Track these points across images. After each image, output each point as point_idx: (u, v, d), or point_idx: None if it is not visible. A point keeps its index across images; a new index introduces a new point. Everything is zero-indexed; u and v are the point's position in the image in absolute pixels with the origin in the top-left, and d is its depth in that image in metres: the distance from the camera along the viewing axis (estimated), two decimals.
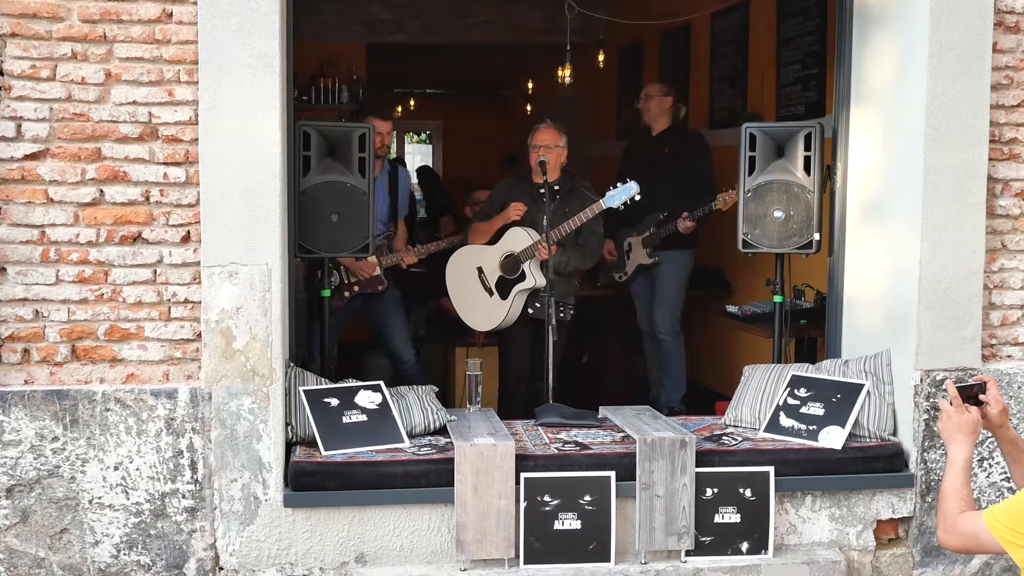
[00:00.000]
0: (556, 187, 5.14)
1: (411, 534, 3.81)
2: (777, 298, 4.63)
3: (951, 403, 2.79)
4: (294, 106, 4.06)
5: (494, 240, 5.27)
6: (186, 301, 3.76)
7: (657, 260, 5.96)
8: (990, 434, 2.86)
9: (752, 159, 4.47)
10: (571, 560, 3.77)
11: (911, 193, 4.00)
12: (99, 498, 3.71)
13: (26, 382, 3.71)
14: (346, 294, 5.39)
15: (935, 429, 3.95)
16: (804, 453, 3.97)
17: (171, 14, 3.67)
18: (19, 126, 3.64)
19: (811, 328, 5.31)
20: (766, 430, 4.12)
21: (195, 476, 3.74)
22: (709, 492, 3.83)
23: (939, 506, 2.71)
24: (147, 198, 3.72)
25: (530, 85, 12.00)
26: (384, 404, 4.01)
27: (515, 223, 5.23)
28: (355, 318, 5.62)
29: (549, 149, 5.18)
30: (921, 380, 4.00)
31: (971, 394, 2.81)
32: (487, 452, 3.72)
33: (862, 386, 4.05)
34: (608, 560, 3.78)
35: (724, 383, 6.07)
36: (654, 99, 6.13)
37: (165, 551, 3.75)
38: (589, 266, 5.56)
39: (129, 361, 3.75)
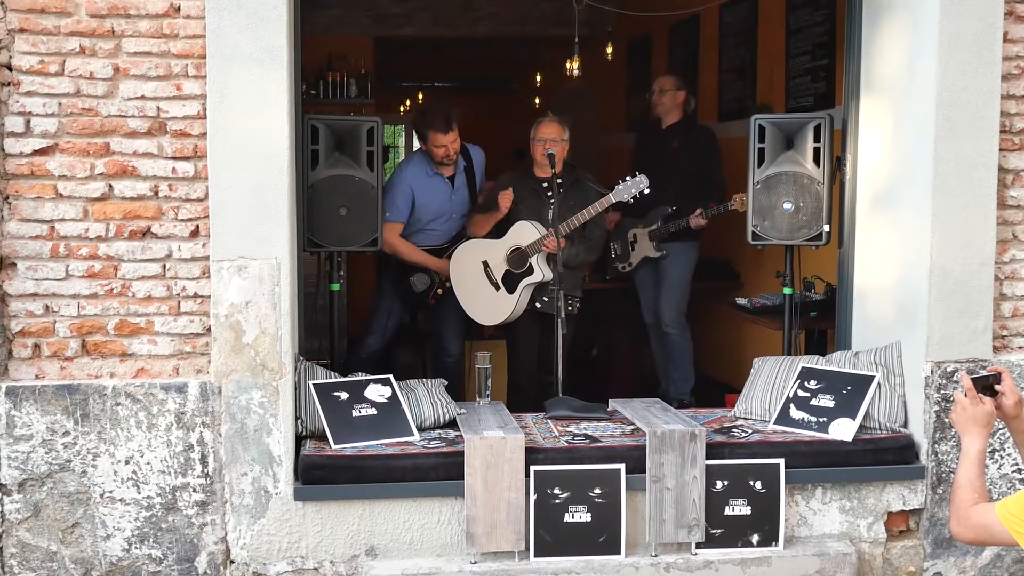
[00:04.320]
0: (560, 180, 5.13)
1: (421, 527, 3.81)
2: (787, 290, 4.63)
3: (965, 394, 2.77)
4: (302, 100, 4.05)
5: (498, 234, 5.26)
6: (195, 295, 3.76)
7: (664, 254, 5.95)
8: (1002, 425, 2.84)
9: (761, 151, 4.46)
10: (581, 553, 3.77)
11: (921, 184, 3.98)
12: (110, 492, 3.72)
13: (37, 377, 3.72)
14: (439, 291, 5.51)
15: (947, 421, 3.94)
16: (815, 445, 3.96)
17: (179, 8, 3.67)
18: (28, 121, 3.65)
19: (821, 320, 5.30)
20: (776, 422, 4.11)
21: (205, 470, 3.75)
22: (719, 484, 3.83)
23: (952, 498, 2.70)
24: (156, 193, 3.73)
25: (539, 78, 11.97)
26: (394, 397, 4.02)
27: (520, 216, 5.22)
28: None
29: (555, 142, 5.16)
30: (932, 372, 3.98)
31: (985, 385, 2.79)
32: (497, 445, 3.72)
33: (872, 378, 4.04)
34: (618, 553, 3.78)
35: (734, 376, 6.06)
36: (668, 93, 6.10)
37: (176, 545, 3.77)
38: (594, 257, 5.56)
39: (139, 355, 3.76)
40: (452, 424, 4.09)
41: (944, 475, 4.00)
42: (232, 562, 3.78)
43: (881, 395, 4.04)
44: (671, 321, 5.96)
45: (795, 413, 4.08)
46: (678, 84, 6.17)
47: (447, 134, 5.29)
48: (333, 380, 4.01)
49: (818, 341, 5.55)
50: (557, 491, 3.77)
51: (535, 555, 3.76)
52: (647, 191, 4.94)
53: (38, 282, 3.70)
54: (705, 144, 6.10)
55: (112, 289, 3.73)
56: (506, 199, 5.18)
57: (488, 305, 5.29)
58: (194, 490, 3.75)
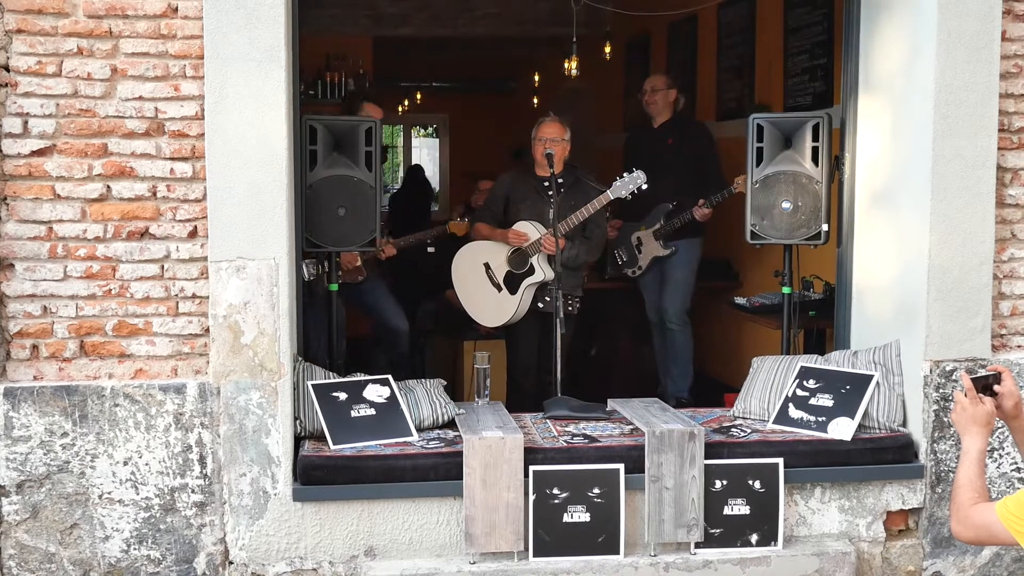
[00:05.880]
0: (560, 180, 5.13)
1: (420, 527, 3.81)
2: (786, 289, 4.63)
3: (965, 394, 2.77)
4: (300, 100, 4.05)
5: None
6: (194, 296, 3.76)
7: (674, 250, 5.93)
8: (1002, 424, 2.84)
9: (760, 150, 4.46)
10: (580, 552, 3.77)
11: (920, 182, 3.98)
12: (109, 493, 3.72)
13: (35, 378, 3.72)
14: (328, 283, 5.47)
15: (947, 420, 3.95)
16: (814, 444, 3.96)
17: (176, 8, 3.67)
18: (26, 122, 3.64)
19: (820, 319, 5.30)
20: (775, 422, 4.11)
21: (204, 471, 3.75)
22: (718, 484, 3.83)
23: (952, 498, 2.70)
24: (154, 193, 3.72)
25: (536, 78, 11.97)
26: (392, 398, 4.01)
27: (521, 216, 5.22)
28: (349, 310, 5.70)
29: (555, 142, 5.17)
30: (931, 371, 3.98)
31: (985, 384, 2.79)
32: (496, 445, 3.72)
33: (871, 377, 4.04)
34: (617, 552, 3.78)
35: (733, 375, 6.06)
36: (660, 92, 6.10)
37: (175, 545, 3.76)
38: (595, 258, 5.56)
39: (137, 356, 3.75)
40: (451, 424, 4.09)
41: (943, 474, 4.00)
42: (231, 563, 3.78)
43: (880, 394, 4.04)
44: (674, 317, 5.97)
45: (794, 412, 4.08)
46: (669, 83, 6.17)
47: (380, 108, 5.41)
48: (332, 380, 4.01)
49: (817, 340, 5.55)
50: (556, 491, 3.77)
51: (534, 555, 3.76)
52: (645, 187, 4.94)
53: (36, 283, 3.70)
54: (700, 139, 6.10)
55: (110, 290, 3.73)
56: (518, 237, 5.18)
57: (491, 306, 5.29)
58: (193, 491, 3.75)
